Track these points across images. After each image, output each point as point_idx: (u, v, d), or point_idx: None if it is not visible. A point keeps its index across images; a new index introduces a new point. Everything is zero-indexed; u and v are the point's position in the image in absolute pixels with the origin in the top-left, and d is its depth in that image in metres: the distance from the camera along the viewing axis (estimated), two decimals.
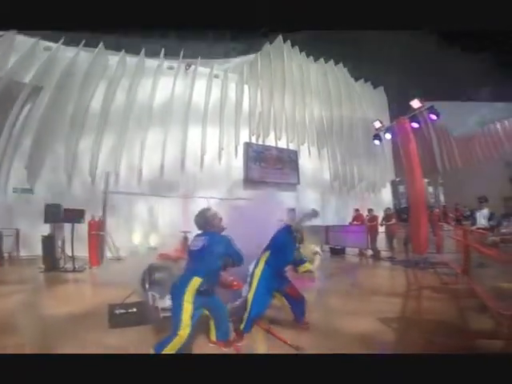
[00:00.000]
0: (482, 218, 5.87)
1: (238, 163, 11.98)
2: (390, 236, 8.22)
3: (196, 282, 2.35)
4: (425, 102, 7.17)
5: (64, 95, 9.08)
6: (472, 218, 6.43)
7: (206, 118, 11.32)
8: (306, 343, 2.72)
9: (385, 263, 7.58)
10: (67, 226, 7.26)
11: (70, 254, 7.15)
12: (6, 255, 8.21)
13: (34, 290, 5.11)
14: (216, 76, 12.11)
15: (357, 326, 3.16)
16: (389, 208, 9.16)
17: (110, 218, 8.58)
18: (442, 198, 15.66)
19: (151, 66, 11.01)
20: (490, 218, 5.75)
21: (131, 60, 10.81)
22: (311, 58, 14.91)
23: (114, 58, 10.51)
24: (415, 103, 7.04)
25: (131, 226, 9.22)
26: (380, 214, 8.79)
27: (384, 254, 8.15)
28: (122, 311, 3.17)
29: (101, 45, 10.09)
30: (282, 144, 13.31)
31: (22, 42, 8.73)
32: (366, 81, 16.77)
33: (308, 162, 13.82)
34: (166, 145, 10.29)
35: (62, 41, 9.43)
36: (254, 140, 12.65)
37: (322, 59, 15.09)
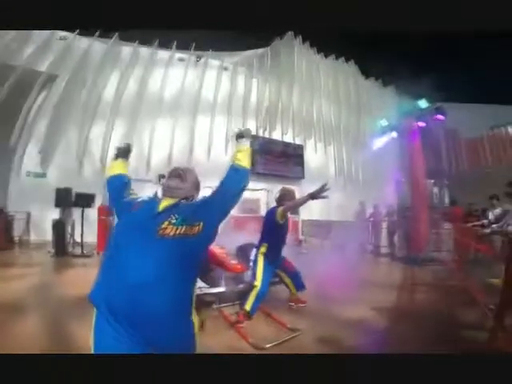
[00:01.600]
0: (493, 217, 5.64)
1: None
2: (391, 233, 8.41)
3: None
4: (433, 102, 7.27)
5: (78, 83, 9.32)
6: (483, 217, 6.19)
7: (215, 109, 11.44)
8: (302, 327, 2.93)
9: (384, 259, 7.78)
10: (76, 211, 7.26)
11: (78, 239, 7.27)
12: (16, 239, 8.21)
13: (43, 274, 5.18)
14: (225, 68, 12.19)
15: (352, 313, 3.36)
16: (391, 205, 9.31)
17: None
18: (446, 199, 15.52)
19: (163, 57, 11.15)
20: (498, 218, 5.45)
21: (144, 51, 10.96)
22: (322, 54, 14.87)
23: (127, 49, 10.67)
24: (423, 103, 7.14)
25: None
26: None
27: (384, 250, 8.37)
28: None
29: (115, 36, 10.28)
30: (289, 138, 13.37)
31: (38, 31, 8.81)
32: (376, 79, 16.63)
33: (313, 157, 13.85)
34: (174, 134, 10.47)
35: (77, 31, 9.59)
36: (260, 133, 12.71)
37: (333, 56, 15.05)
